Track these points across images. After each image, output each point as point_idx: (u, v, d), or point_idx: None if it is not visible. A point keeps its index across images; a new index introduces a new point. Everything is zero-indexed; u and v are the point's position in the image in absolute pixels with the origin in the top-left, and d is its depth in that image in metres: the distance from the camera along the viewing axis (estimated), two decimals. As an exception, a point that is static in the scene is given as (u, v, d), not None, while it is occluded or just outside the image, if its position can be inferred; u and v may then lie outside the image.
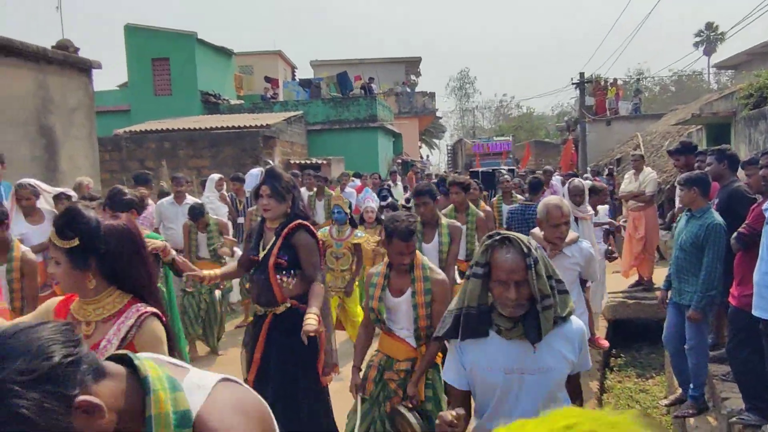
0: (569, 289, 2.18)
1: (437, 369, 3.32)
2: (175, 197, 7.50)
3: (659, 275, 7.43)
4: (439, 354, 3.32)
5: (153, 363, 1.20)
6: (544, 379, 2.03)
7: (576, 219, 5.23)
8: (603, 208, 6.94)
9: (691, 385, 4.52)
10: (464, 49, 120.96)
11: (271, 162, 11.25)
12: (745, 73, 18.49)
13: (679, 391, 4.83)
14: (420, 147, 34.29)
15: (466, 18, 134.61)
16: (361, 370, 3.39)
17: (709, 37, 48.39)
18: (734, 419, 4.02)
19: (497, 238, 1.99)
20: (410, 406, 3.12)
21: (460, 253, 5.80)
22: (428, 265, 3.32)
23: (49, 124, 8.30)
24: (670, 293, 4.66)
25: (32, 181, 4.89)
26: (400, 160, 23.38)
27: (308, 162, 16.42)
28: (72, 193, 5.60)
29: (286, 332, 3.53)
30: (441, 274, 3.34)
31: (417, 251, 3.32)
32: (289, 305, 3.62)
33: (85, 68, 9.03)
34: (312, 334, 3.37)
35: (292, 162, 15.77)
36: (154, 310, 1.94)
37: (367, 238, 6.07)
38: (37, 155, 8.06)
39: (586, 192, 5.77)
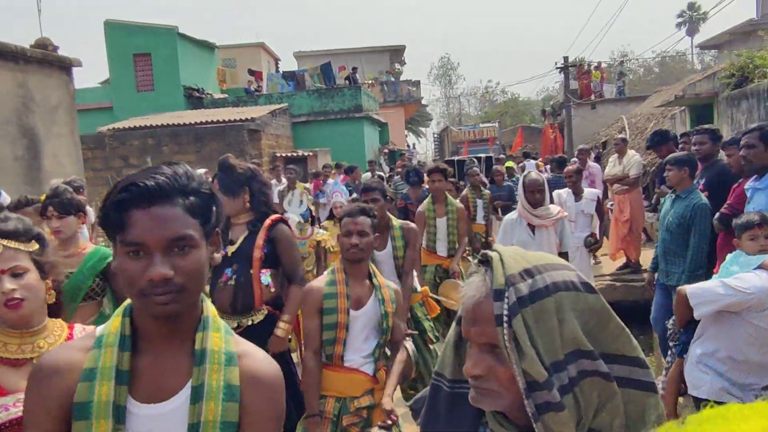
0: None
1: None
2: None
3: (646, 257, 7.51)
4: None
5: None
6: None
7: (533, 228, 4.53)
8: (590, 192, 6.46)
9: (679, 365, 4.58)
10: (448, 36, 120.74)
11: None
12: (727, 53, 18.60)
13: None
14: (407, 136, 34.26)
15: (448, 3, 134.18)
16: (318, 415, 2.69)
17: (692, 18, 48.55)
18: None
19: (482, 255, 1.03)
20: (389, 423, 2.63)
21: (440, 249, 5.43)
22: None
23: (31, 124, 8.20)
24: (657, 275, 4.71)
25: None
26: (387, 150, 23.35)
27: (294, 155, 16.36)
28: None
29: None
30: (394, 285, 3.02)
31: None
32: (266, 312, 3.26)
33: (65, 66, 8.93)
34: (280, 349, 3.12)
35: (278, 155, 15.70)
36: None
37: (329, 234, 5.63)
38: (19, 155, 7.96)
39: (546, 188, 4.61)
